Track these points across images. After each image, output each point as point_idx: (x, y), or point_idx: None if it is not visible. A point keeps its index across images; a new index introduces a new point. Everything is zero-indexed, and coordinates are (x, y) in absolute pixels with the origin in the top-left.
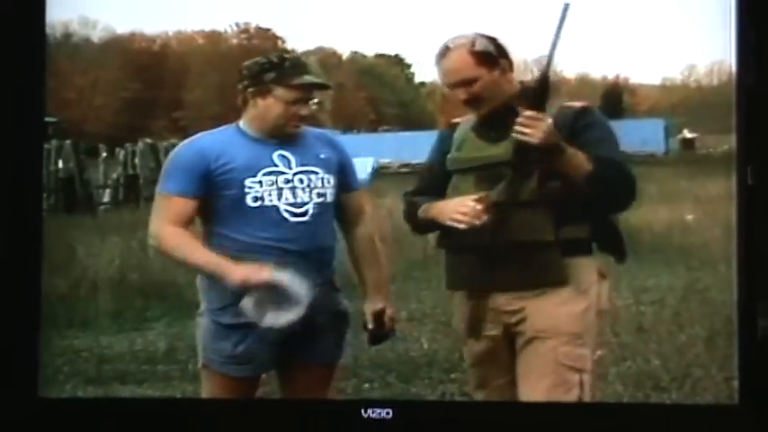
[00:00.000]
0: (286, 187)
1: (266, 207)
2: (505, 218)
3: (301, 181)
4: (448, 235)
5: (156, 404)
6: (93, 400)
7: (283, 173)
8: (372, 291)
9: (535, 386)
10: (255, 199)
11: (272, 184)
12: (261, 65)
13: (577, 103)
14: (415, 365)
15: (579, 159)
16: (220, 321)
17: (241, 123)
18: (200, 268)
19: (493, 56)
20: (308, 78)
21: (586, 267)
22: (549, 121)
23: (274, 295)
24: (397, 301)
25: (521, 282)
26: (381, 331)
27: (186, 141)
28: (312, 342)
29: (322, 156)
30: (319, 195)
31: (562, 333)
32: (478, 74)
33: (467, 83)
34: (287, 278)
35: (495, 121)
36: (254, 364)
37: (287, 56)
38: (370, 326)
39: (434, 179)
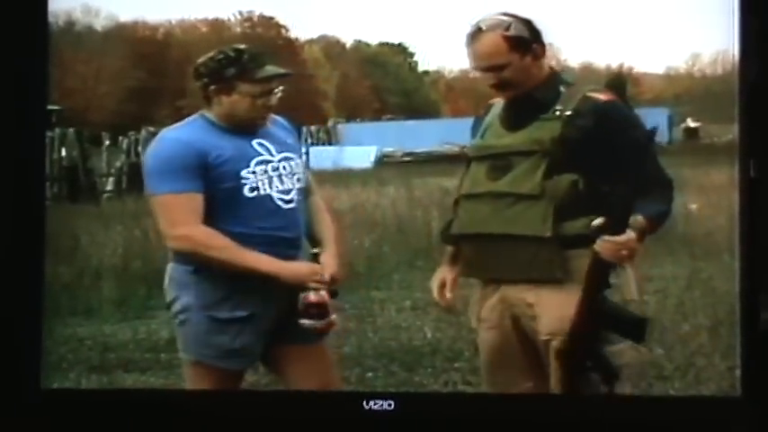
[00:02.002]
0: (275, 175)
1: (262, 197)
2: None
3: (284, 168)
4: (452, 225)
5: (157, 395)
6: (97, 390)
7: (270, 161)
8: (328, 244)
9: (557, 389)
10: (252, 189)
11: (264, 173)
12: (218, 61)
13: (602, 96)
14: (418, 354)
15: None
16: (217, 316)
17: (209, 115)
18: (251, 269)
19: (526, 41)
20: (269, 70)
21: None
22: (632, 239)
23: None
24: (401, 290)
25: (520, 275)
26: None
27: (164, 138)
28: (294, 327)
29: (290, 141)
30: (299, 180)
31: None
32: (510, 59)
33: (497, 68)
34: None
35: (517, 109)
36: (250, 355)
37: (242, 48)
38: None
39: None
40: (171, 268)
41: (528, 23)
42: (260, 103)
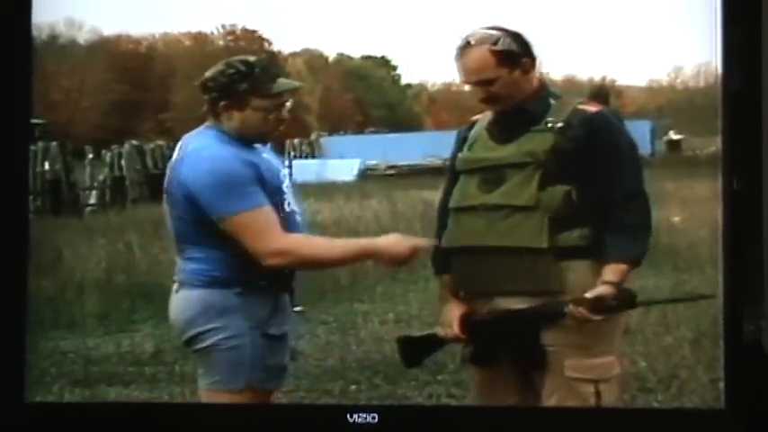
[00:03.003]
0: (290, 189)
1: (293, 211)
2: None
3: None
4: (442, 238)
5: (142, 408)
6: (80, 404)
7: (286, 175)
8: None
9: (546, 401)
10: (288, 204)
11: (289, 188)
12: (229, 75)
13: (591, 108)
14: (401, 367)
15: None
16: (271, 333)
17: (224, 128)
18: (352, 258)
19: (515, 54)
20: (283, 83)
21: (587, 271)
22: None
23: None
24: (384, 303)
25: (515, 287)
26: None
27: (210, 157)
28: None
29: None
30: None
31: (566, 345)
32: (498, 74)
33: (486, 83)
34: None
35: (507, 122)
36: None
37: (252, 60)
38: None
39: (452, 181)
40: (205, 294)
41: (517, 37)
42: (272, 117)
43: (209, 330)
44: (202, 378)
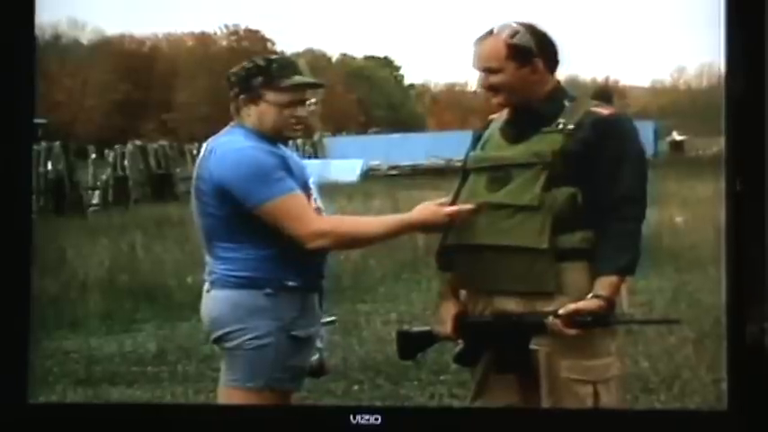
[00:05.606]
0: (315, 187)
1: (319, 208)
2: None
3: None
4: (447, 235)
5: (145, 408)
6: (83, 405)
7: (310, 173)
8: None
9: (545, 401)
10: (315, 200)
11: (314, 184)
12: (247, 70)
13: (604, 110)
14: (404, 367)
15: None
16: (297, 335)
17: (248, 125)
18: (390, 234)
19: (528, 52)
20: (297, 79)
21: (585, 274)
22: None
23: None
24: (387, 302)
25: (513, 286)
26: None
27: (242, 149)
28: None
29: None
30: None
31: (561, 347)
32: (504, 66)
33: (490, 71)
34: None
35: (519, 122)
36: (305, 376)
37: (273, 57)
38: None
39: (464, 179)
40: (234, 295)
41: (540, 36)
42: (287, 114)
43: (236, 330)
44: (224, 375)
